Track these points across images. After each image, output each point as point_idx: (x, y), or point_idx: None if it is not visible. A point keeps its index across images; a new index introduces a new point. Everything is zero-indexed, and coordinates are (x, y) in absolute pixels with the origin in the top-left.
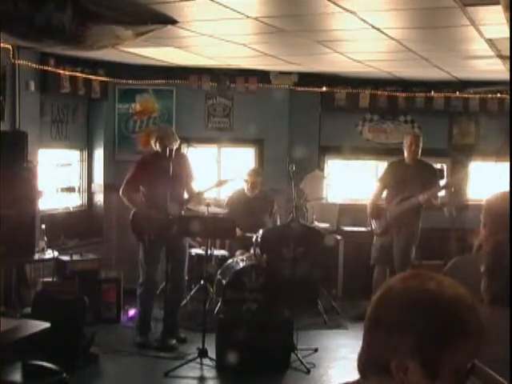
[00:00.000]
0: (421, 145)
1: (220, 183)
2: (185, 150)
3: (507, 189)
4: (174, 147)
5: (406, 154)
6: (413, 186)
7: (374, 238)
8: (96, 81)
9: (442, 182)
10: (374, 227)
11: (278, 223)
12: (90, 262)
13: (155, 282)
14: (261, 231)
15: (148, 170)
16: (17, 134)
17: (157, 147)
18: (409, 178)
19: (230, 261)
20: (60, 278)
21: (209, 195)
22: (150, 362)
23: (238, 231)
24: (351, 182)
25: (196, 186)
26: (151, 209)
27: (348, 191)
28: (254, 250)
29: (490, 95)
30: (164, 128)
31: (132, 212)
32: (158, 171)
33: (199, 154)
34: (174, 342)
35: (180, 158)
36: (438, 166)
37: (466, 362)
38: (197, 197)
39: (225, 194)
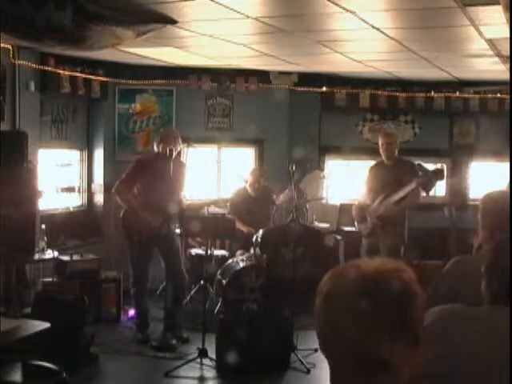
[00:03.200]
0: (395, 143)
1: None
2: (185, 150)
3: (501, 188)
4: (176, 150)
5: (382, 154)
6: (392, 185)
7: (362, 240)
8: (96, 81)
9: (441, 182)
10: (360, 229)
11: (279, 219)
12: (90, 262)
13: (146, 281)
14: (261, 231)
15: (146, 171)
16: (17, 134)
17: (159, 148)
18: (388, 177)
19: (230, 261)
20: (60, 278)
21: (209, 196)
22: (150, 362)
23: (246, 229)
24: (351, 181)
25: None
26: (145, 209)
27: (348, 191)
28: (254, 250)
29: (489, 95)
30: (170, 130)
31: (123, 210)
32: (156, 172)
33: (199, 154)
34: (174, 341)
35: (179, 165)
36: (438, 165)
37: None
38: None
39: (226, 193)
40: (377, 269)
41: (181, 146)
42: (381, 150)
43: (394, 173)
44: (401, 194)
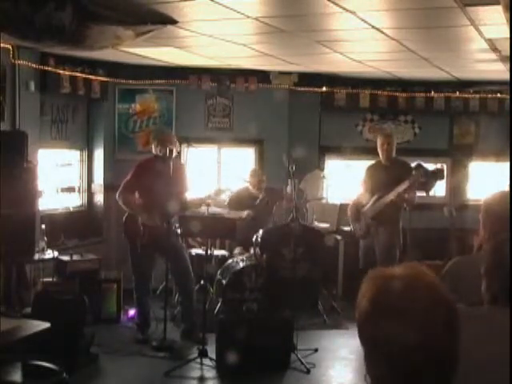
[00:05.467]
0: (394, 143)
1: (218, 193)
2: (184, 150)
3: (505, 189)
4: (174, 151)
5: (380, 155)
6: (387, 185)
7: (360, 241)
8: (96, 81)
9: (441, 182)
10: (355, 230)
11: (278, 223)
12: (90, 261)
13: (149, 284)
14: (261, 231)
15: (146, 174)
16: (17, 134)
17: (157, 150)
18: (384, 178)
19: (229, 261)
20: (60, 278)
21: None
22: (149, 362)
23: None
24: (351, 181)
25: (191, 193)
26: (147, 213)
27: (348, 191)
28: (254, 250)
29: (489, 95)
30: (165, 131)
31: (125, 216)
32: (156, 175)
33: (199, 154)
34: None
35: (179, 165)
36: (438, 165)
37: None
38: (190, 205)
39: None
40: (418, 273)
41: (178, 148)
42: (380, 151)
43: (391, 173)
44: (394, 193)
